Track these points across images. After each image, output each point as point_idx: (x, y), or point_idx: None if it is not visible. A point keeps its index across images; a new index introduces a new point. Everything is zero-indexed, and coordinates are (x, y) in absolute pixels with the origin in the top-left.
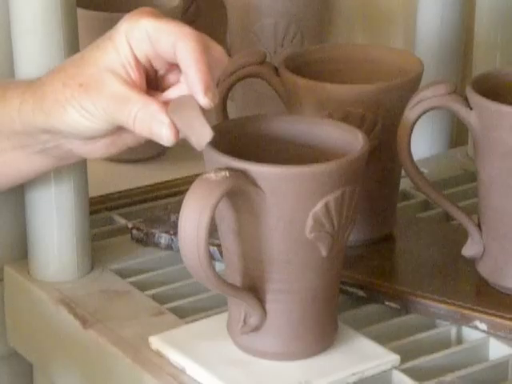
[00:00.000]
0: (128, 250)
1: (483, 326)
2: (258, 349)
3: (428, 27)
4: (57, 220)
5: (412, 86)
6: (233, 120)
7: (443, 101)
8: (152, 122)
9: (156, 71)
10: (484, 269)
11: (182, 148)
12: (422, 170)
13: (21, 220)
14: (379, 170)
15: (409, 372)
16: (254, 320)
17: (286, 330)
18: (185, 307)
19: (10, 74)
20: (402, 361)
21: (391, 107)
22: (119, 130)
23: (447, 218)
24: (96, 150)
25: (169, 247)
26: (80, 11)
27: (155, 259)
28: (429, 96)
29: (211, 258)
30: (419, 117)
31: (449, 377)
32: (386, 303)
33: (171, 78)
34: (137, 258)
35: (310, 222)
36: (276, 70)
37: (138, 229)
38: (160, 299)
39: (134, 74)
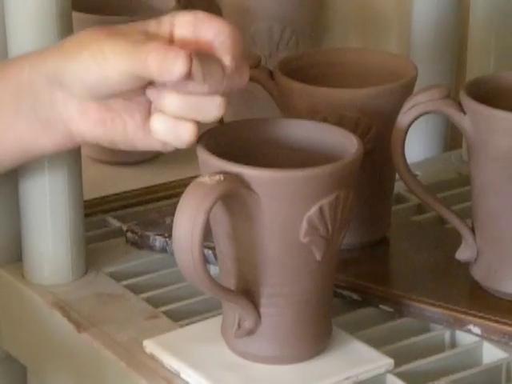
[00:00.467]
0: (123, 252)
1: (477, 330)
2: (252, 352)
3: (422, 32)
4: (51, 223)
5: (406, 90)
6: (227, 124)
7: (437, 105)
8: (167, 54)
9: None
10: (478, 272)
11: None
12: (416, 173)
13: (15, 222)
14: (373, 174)
15: (403, 376)
16: (248, 324)
17: (280, 333)
18: (179, 310)
19: None
20: (396, 365)
21: (385, 111)
22: (119, 107)
23: (441, 221)
24: (85, 123)
25: (163, 250)
26: (75, 14)
27: (150, 262)
28: (423, 100)
29: (205, 261)
30: (413, 121)
31: (442, 381)
32: (380, 307)
33: None
34: (131, 261)
35: (304, 225)
36: (271, 73)
37: (132, 231)
38: (154, 302)
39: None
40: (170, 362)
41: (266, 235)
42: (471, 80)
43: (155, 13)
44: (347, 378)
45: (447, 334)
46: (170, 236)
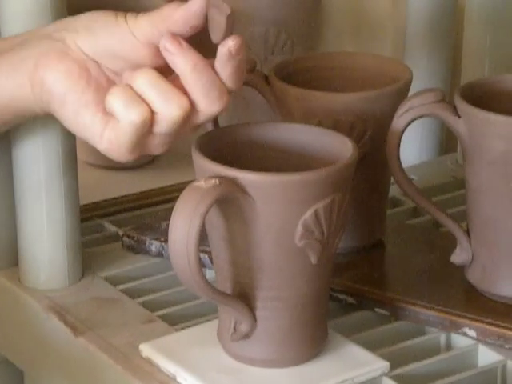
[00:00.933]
0: (119, 257)
1: (472, 333)
2: (248, 356)
3: (417, 36)
4: (47, 227)
5: (401, 94)
6: (223, 128)
7: (432, 109)
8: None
9: None
10: (473, 276)
11: (173, 155)
12: (411, 177)
13: (11, 227)
14: (369, 178)
15: (398, 379)
16: (244, 327)
17: (275, 337)
18: (175, 314)
19: None
20: (392, 367)
21: (380, 115)
22: (94, 71)
23: (436, 225)
24: (64, 66)
25: (159, 254)
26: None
27: (146, 266)
28: (417, 104)
29: (201, 265)
30: (408, 125)
31: (438, 383)
32: (376, 310)
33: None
34: (127, 266)
35: (299, 229)
36: (266, 78)
37: (128, 236)
38: (151, 306)
39: None
40: (166, 365)
41: (262, 239)
42: (466, 83)
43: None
44: (343, 381)
45: (443, 337)
46: (166, 240)
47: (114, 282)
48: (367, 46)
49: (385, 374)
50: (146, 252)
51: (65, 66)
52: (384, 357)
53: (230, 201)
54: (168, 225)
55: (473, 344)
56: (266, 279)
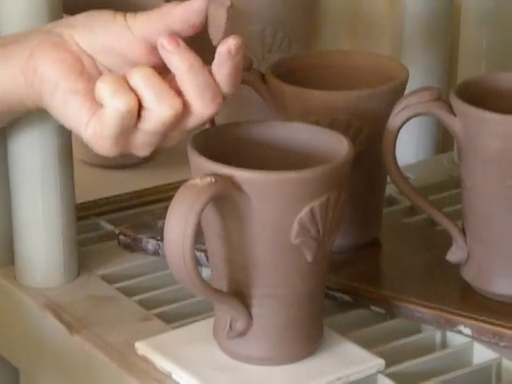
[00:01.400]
0: (115, 255)
1: (467, 331)
2: (244, 354)
3: (414, 34)
4: (43, 225)
5: (397, 92)
6: (219, 126)
7: (427, 107)
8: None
9: None
10: (468, 274)
11: (170, 154)
12: (407, 175)
13: (7, 225)
14: (365, 176)
15: (393, 376)
16: (239, 325)
17: (271, 334)
18: (171, 313)
19: None
20: (387, 365)
21: (377, 113)
22: (86, 62)
23: (432, 223)
24: (56, 54)
25: (156, 253)
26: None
27: (142, 265)
28: (413, 102)
29: (197, 263)
30: (404, 123)
31: (433, 381)
32: (372, 308)
33: None
34: (124, 264)
35: (295, 227)
36: (263, 76)
37: (125, 234)
38: (147, 305)
39: None
40: (162, 363)
41: (258, 237)
42: (462, 82)
43: None
44: (338, 379)
45: (438, 335)
46: (162, 239)
47: (110, 280)
48: (364, 44)
49: (380, 372)
50: (143, 250)
51: (59, 54)
52: (379, 354)
53: (225, 199)
54: (164, 223)
55: (468, 342)
56: (261, 277)
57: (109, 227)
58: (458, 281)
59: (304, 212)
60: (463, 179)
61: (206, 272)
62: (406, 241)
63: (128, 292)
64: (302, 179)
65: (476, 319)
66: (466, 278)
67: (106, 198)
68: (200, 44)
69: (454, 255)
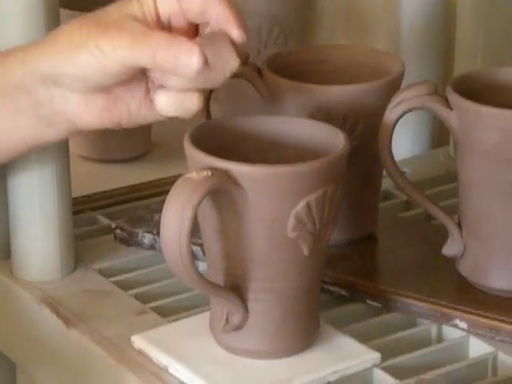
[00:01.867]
0: (111, 249)
1: (463, 325)
2: (240, 347)
3: (410, 29)
4: (40, 220)
5: (393, 86)
6: (215, 120)
7: (424, 101)
8: (180, 50)
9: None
10: (464, 268)
11: (166, 148)
12: (403, 170)
13: (4, 219)
14: (361, 170)
15: (389, 370)
16: (236, 319)
17: (267, 328)
18: (167, 306)
19: None
20: (383, 359)
21: (373, 108)
22: (119, 90)
23: (428, 217)
24: (89, 114)
25: (152, 247)
26: (63, 11)
27: (138, 259)
28: (409, 97)
29: (194, 257)
30: (400, 117)
31: (429, 375)
32: (368, 302)
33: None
34: (120, 258)
35: (291, 221)
36: (259, 70)
37: (121, 229)
38: (143, 298)
39: (154, 28)
40: (159, 357)
41: (254, 231)
42: (458, 76)
43: None
44: (334, 372)
45: (434, 329)
46: (158, 233)
47: (106, 274)
48: (360, 39)
49: (376, 366)
50: (139, 244)
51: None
52: (375, 348)
53: (222, 193)
54: (160, 217)
55: (464, 336)
56: (258, 271)
57: (105, 221)
58: (454, 275)
59: (300, 206)
60: (459, 173)
61: (202, 266)
62: (402, 235)
63: (124, 286)
64: (299, 173)
65: (472, 313)
66: (462, 272)
67: (103, 192)
68: None
69: (450, 249)
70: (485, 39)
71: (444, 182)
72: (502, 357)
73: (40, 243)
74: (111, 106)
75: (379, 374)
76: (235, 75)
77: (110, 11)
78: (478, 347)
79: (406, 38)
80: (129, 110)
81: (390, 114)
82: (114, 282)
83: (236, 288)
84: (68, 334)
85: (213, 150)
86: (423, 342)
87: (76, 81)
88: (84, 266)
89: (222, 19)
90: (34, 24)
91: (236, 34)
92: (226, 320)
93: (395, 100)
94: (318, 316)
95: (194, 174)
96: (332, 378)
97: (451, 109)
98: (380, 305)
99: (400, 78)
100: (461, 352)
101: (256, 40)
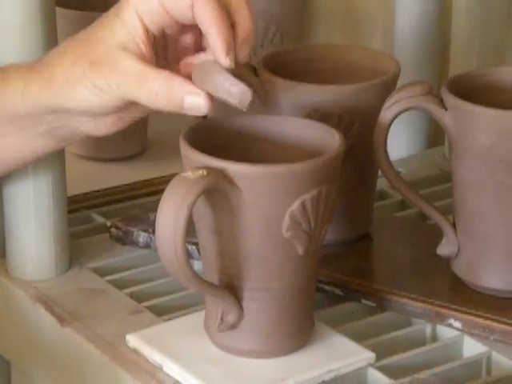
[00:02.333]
0: (106, 248)
1: (458, 324)
2: (235, 346)
3: (406, 29)
4: (35, 218)
5: (389, 86)
6: (211, 119)
7: (419, 101)
8: (183, 95)
9: (166, 36)
10: (458, 268)
11: (161, 147)
12: (398, 169)
13: None
14: (356, 170)
15: (384, 369)
16: (230, 318)
17: (262, 327)
18: (162, 305)
19: None
20: (378, 358)
21: (368, 107)
22: (129, 104)
23: (423, 217)
24: (102, 126)
25: (147, 246)
26: (59, 10)
27: (133, 258)
28: (404, 97)
29: (189, 256)
30: (395, 117)
31: (423, 374)
32: (362, 301)
33: (184, 39)
34: (115, 257)
35: (286, 220)
36: (255, 70)
37: (116, 227)
38: (138, 297)
39: (146, 48)
40: (153, 355)
41: (249, 230)
42: (453, 76)
43: None
44: (329, 372)
45: (428, 329)
46: (153, 232)
47: (101, 272)
48: (356, 39)
49: (371, 365)
50: (134, 243)
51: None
52: (370, 348)
53: (217, 192)
54: (156, 216)
55: (458, 335)
56: (253, 270)
57: (100, 220)
58: (449, 275)
59: (295, 205)
60: (454, 173)
61: (197, 265)
62: (397, 235)
63: (119, 285)
64: (294, 172)
65: (466, 313)
66: (457, 271)
67: (98, 191)
68: None
69: (444, 249)
70: (480, 39)
71: (439, 182)
72: (496, 356)
73: (35, 242)
74: (123, 114)
75: (374, 374)
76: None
77: (97, 41)
78: (472, 347)
79: (401, 38)
80: (140, 108)
81: (386, 114)
82: (109, 281)
83: (231, 287)
84: (62, 332)
85: (208, 149)
86: (418, 342)
87: (81, 112)
88: (79, 264)
89: (210, 43)
90: (31, 22)
91: (224, 62)
92: (221, 319)
93: (390, 100)
94: (312, 315)
95: (189, 173)
96: (327, 377)
97: (446, 109)
98: (375, 304)
99: (395, 78)
100: (455, 351)
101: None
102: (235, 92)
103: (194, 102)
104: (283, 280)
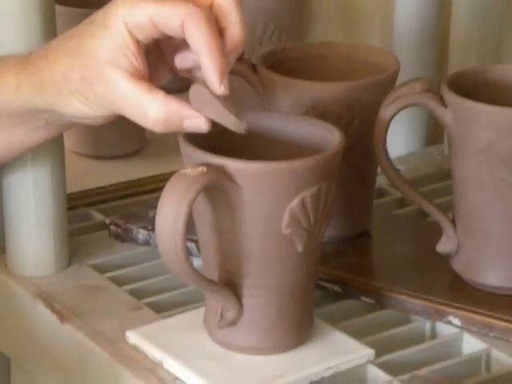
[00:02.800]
0: (106, 245)
1: (457, 321)
2: (235, 343)
3: (405, 26)
4: (34, 215)
5: (388, 83)
6: None
7: (418, 98)
8: (181, 120)
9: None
10: (458, 265)
11: (161, 145)
12: (398, 167)
13: None
14: (355, 167)
15: (383, 366)
16: (230, 315)
17: (262, 324)
18: (162, 302)
19: None
20: (377, 355)
21: (368, 105)
22: None
23: (422, 215)
24: (101, 119)
25: (146, 243)
26: (58, 8)
27: (133, 255)
28: (404, 94)
29: (189, 253)
30: (395, 114)
31: (423, 371)
32: (362, 298)
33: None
34: (114, 254)
35: (286, 217)
36: (254, 67)
37: (115, 224)
38: (137, 294)
39: (137, 61)
40: (153, 352)
41: (249, 227)
42: (453, 73)
43: None
44: (329, 368)
45: (427, 326)
46: (153, 229)
47: (100, 269)
48: (355, 36)
49: (370, 362)
50: (133, 240)
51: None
52: (369, 344)
53: (217, 189)
54: (155, 213)
55: (457, 332)
56: (252, 267)
57: (99, 217)
58: (448, 272)
59: (295, 202)
60: (453, 170)
61: (197, 262)
62: (397, 232)
63: (119, 281)
64: (293, 170)
65: (465, 310)
66: (456, 269)
67: (97, 188)
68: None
69: (444, 246)
70: (479, 36)
71: (438, 180)
72: (496, 353)
73: (35, 239)
74: None
75: (373, 370)
76: (230, 72)
77: (87, 54)
78: (471, 344)
79: (400, 35)
80: None
81: (385, 111)
82: (109, 278)
83: (231, 284)
84: (62, 329)
85: (207, 146)
86: (417, 339)
87: (77, 117)
88: (78, 261)
89: (203, 68)
90: (30, 20)
91: (218, 90)
92: (221, 316)
93: (390, 97)
94: (312, 312)
95: (189, 170)
96: (326, 374)
97: (446, 106)
98: (374, 301)
99: (395, 75)
100: (454, 349)
101: (251, 36)
102: (230, 124)
103: (193, 124)
104: (283, 277)
